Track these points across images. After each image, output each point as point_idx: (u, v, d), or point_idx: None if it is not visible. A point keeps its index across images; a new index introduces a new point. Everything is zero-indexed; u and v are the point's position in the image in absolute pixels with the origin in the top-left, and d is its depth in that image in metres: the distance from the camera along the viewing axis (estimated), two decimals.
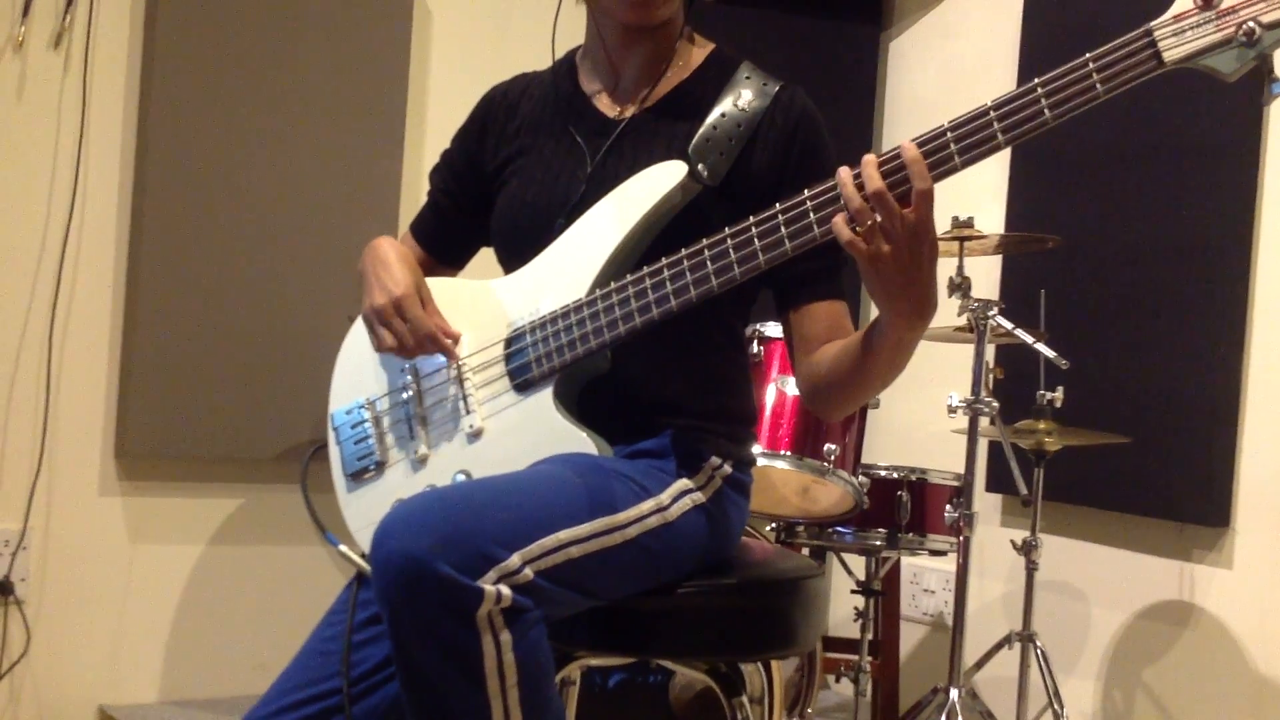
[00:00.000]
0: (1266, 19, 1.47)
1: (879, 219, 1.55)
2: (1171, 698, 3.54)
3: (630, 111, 1.93)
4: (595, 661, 1.88)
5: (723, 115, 1.86)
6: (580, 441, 1.75)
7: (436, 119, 3.88)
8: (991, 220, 3.82)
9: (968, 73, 4.19)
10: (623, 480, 1.72)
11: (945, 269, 2.95)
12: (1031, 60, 3.93)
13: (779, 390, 2.98)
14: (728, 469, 1.85)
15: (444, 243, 2.11)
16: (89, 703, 3.42)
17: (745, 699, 1.88)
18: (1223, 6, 1.49)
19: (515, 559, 1.53)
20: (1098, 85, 1.51)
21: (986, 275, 3.87)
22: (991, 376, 3.14)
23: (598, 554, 1.63)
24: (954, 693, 3.02)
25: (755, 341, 2.99)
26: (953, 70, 4.26)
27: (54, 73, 3.33)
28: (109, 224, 3.42)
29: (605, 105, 1.95)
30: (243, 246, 3.52)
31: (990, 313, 3.03)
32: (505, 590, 1.50)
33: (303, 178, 3.60)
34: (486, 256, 2.11)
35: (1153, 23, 1.51)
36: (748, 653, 1.86)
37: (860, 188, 1.56)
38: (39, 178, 3.32)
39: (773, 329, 3.00)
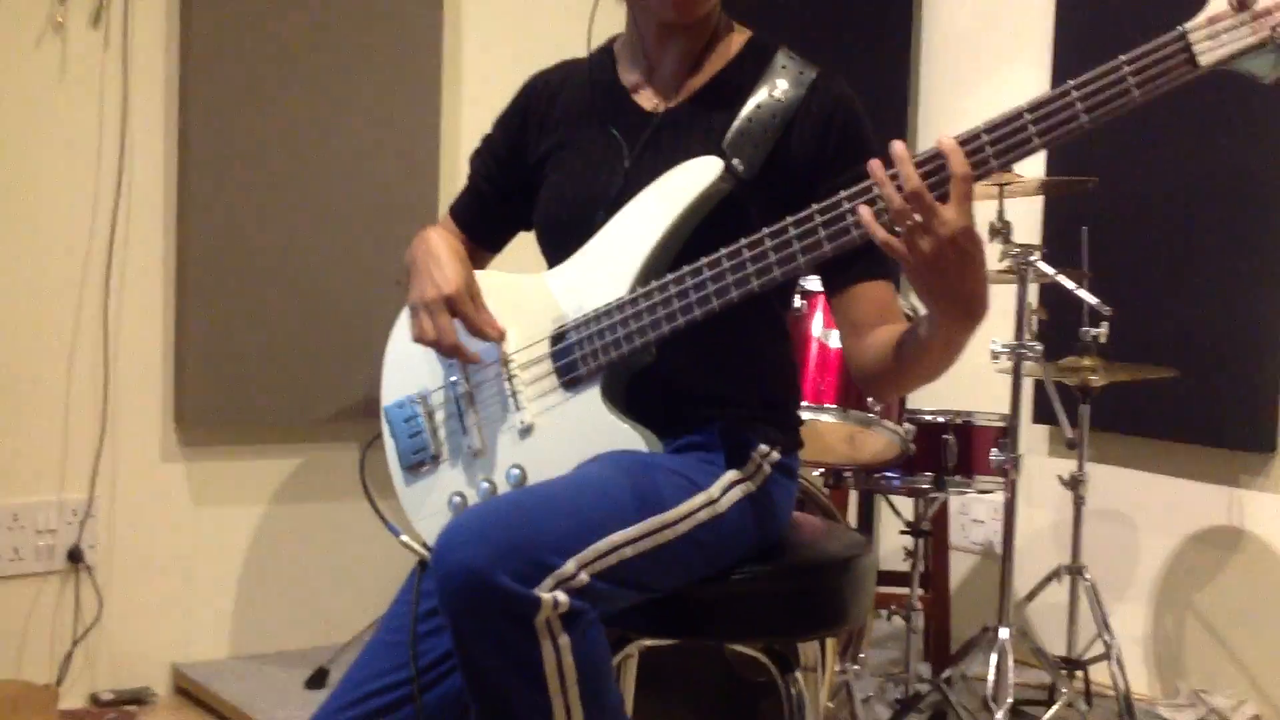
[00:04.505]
0: None
1: (918, 219, 1.55)
2: (1221, 621, 3.59)
3: (668, 104, 1.94)
4: (651, 643, 1.94)
5: (758, 106, 1.87)
6: (631, 438, 1.79)
7: (471, 84, 3.91)
8: (1031, 163, 3.81)
9: (1005, 3, 4.15)
10: (672, 476, 1.76)
11: (985, 213, 2.97)
12: None
13: (821, 344, 3.00)
14: (776, 455, 1.89)
15: (484, 228, 2.13)
16: (162, 662, 3.54)
17: (799, 674, 1.93)
18: (1258, 9, 1.47)
19: (571, 565, 1.58)
20: (1134, 90, 1.51)
21: (1029, 214, 3.87)
22: (1035, 318, 3.16)
23: (651, 552, 1.68)
24: (1004, 631, 3.07)
25: (798, 295, 3.01)
26: (990, 1, 4.22)
27: (94, 51, 3.37)
28: (156, 196, 3.47)
29: (643, 98, 1.96)
30: (287, 213, 3.57)
31: (1032, 258, 3.04)
32: (562, 597, 1.56)
33: (344, 144, 3.64)
34: (522, 241, 2.15)
35: (1187, 24, 1.50)
36: (801, 633, 1.91)
37: (899, 188, 1.56)
38: (85, 155, 3.38)
39: (813, 282, 3.01)
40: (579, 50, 2.08)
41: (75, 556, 3.40)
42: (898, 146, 1.57)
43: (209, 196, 3.48)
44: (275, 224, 3.56)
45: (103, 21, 3.36)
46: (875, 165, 1.59)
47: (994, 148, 1.57)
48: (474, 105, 3.87)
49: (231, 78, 3.48)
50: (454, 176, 3.78)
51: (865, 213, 1.59)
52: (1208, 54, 1.51)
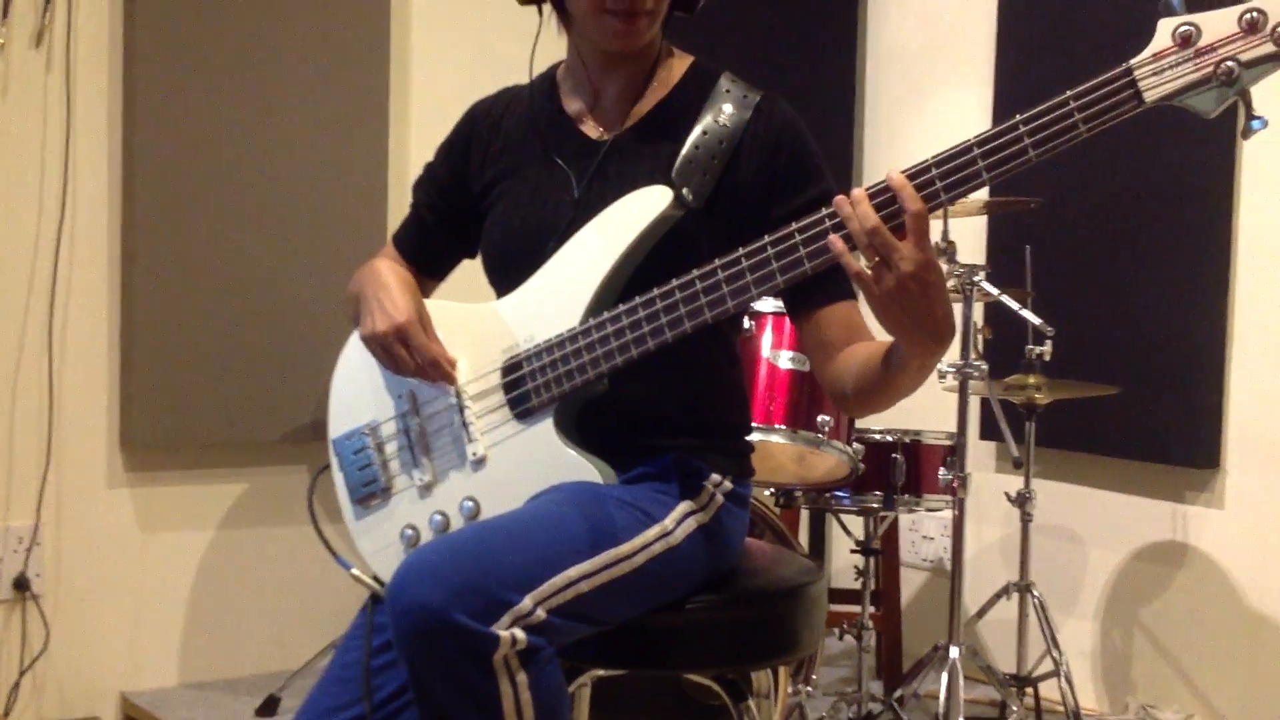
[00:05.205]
0: (1245, 57, 1.49)
1: (880, 255, 1.57)
2: (1168, 635, 3.62)
3: (613, 133, 1.94)
4: (604, 673, 1.94)
5: (704, 133, 1.87)
6: (584, 469, 1.79)
7: (419, 97, 3.88)
8: None
9: (948, 22, 4.19)
10: (626, 508, 1.76)
11: (930, 233, 2.99)
12: (1011, 9, 3.94)
13: (770, 364, 3.01)
14: (728, 484, 1.90)
15: (428, 256, 2.12)
16: (110, 691, 3.50)
17: (752, 703, 1.94)
18: (1201, 45, 1.50)
19: (528, 602, 1.58)
20: (1080, 125, 1.53)
21: (973, 234, 3.90)
22: (980, 337, 3.18)
23: (606, 585, 1.68)
24: (954, 650, 3.09)
25: (745, 316, 3.02)
26: (933, 19, 4.26)
27: (37, 71, 3.34)
28: (101, 218, 3.44)
29: (588, 127, 1.97)
30: (234, 233, 3.55)
31: (976, 277, 3.06)
32: (519, 634, 1.56)
33: (289, 162, 3.62)
34: (466, 268, 2.15)
35: (1132, 60, 1.53)
36: (753, 661, 1.91)
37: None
38: (29, 176, 3.34)
39: (763, 303, 3.03)
40: (523, 72, 2.07)
41: (21, 585, 3.36)
42: (856, 191, 1.59)
43: (154, 218, 3.45)
44: (222, 246, 3.53)
45: (45, 42, 3.33)
46: (841, 201, 1.60)
47: (943, 181, 1.60)
48: (421, 121, 3.85)
49: (176, 98, 3.45)
50: (402, 196, 3.75)
51: (838, 243, 1.60)
52: (1153, 90, 1.54)
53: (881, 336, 1.75)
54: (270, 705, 3.38)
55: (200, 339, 3.51)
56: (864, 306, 1.73)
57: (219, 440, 3.59)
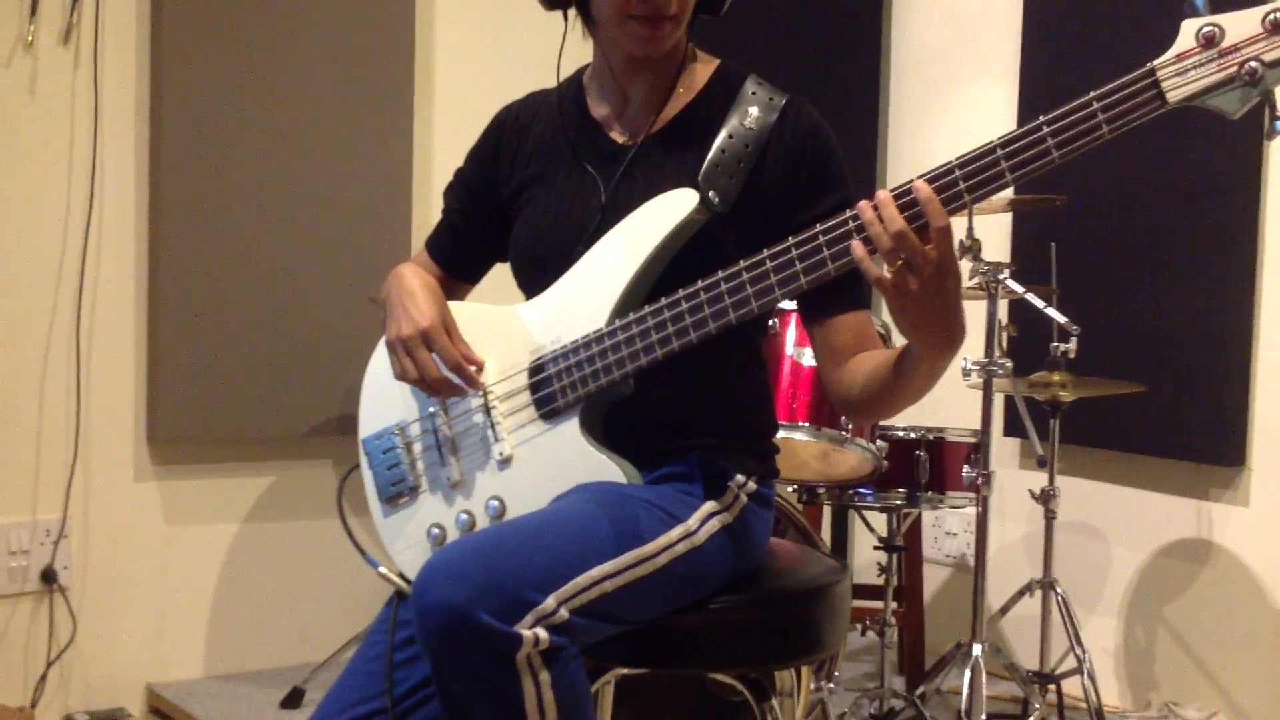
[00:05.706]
0: (1269, 57, 1.49)
1: (904, 258, 1.58)
2: (1192, 633, 3.62)
3: (640, 137, 1.95)
4: (628, 672, 1.94)
5: (730, 136, 1.88)
6: (609, 469, 1.80)
7: (444, 98, 3.90)
8: None
9: (973, 20, 4.18)
10: (650, 509, 1.77)
11: (955, 231, 2.99)
12: (1036, 7, 3.93)
13: (794, 362, 3.02)
14: (752, 485, 1.90)
15: (460, 261, 2.14)
16: (136, 682, 3.53)
17: (775, 703, 1.95)
18: (1224, 45, 1.50)
19: (550, 601, 1.59)
20: (1103, 125, 1.53)
21: (998, 231, 3.90)
22: (1005, 335, 3.18)
23: (629, 585, 1.69)
24: (977, 648, 3.09)
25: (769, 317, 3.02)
26: (957, 18, 4.25)
27: (65, 69, 3.36)
28: (128, 214, 3.46)
29: (615, 131, 1.97)
30: (260, 230, 3.57)
31: (1001, 275, 3.06)
32: (542, 633, 1.57)
33: (315, 160, 3.64)
34: (494, 271, 2.16)
35: (1155, 61, 1.53)
36: (778, 661, 1.92)
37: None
38: (57, 173, 3.37)
39: (787, 301, 3.03)
40: (549, 74, 2.08)
41: (49, 577, 3.39)
42: (882, 193, 1.60)
43: (181, 215, 3.47)
44: (248, 242, 3.55)
45: (73, 39, 3.35)
46: (865, 206, 1.61)
47: (966, 183, 1.60)
48: (446, 122, 3.87)
49: (203, 95, 3.47)
50: (426, 195, 3.77)
51: (859, 249, 1.61)
52: (1176, 90, 1.53)
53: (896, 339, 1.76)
54: (295, 697, 3.40)
55: (225, 335, 3.53)
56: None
57: (244, 435, 3.62)
